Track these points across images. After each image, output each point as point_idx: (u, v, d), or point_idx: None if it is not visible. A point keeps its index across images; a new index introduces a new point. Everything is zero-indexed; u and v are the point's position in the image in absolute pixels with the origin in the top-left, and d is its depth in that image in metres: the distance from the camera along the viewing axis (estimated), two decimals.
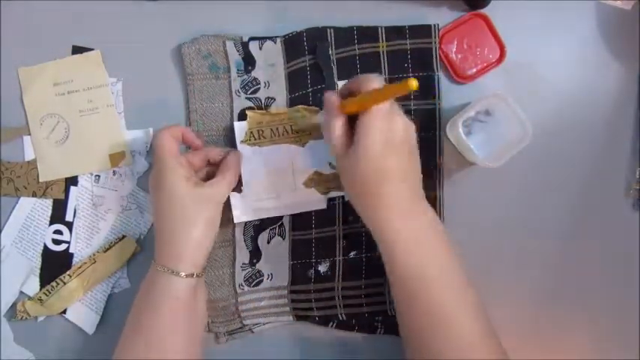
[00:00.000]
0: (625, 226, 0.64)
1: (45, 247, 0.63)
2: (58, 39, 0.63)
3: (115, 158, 0.63)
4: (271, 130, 0.62)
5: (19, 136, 0.63)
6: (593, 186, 0.64)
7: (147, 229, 0.63)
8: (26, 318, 0.62)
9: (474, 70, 0.63)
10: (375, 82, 0.51)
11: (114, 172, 0.63)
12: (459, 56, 0.63)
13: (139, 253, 0.63)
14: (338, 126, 0.52)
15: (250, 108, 0.62)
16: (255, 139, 0.62)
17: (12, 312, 0.62)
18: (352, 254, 0.63)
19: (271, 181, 0.61)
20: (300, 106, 0.62)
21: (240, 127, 0.62)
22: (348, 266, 0.63)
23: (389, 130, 0.50)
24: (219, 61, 0.62)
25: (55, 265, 0.62)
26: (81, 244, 0.63)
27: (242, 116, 0.63)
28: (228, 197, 0.60)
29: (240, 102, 0.63)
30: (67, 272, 0.62)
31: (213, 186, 0.57)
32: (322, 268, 0.63)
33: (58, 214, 0.63)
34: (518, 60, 0.63)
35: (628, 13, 0.64)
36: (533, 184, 0.64)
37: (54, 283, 0.62)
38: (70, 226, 0.63)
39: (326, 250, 0.63)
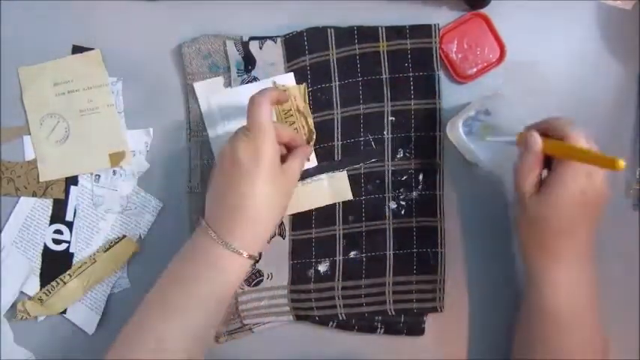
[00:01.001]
0: (625, 226, 0.64)
1: (45, 246, 0.63)
2: (58, 39, 0.63)
3: (115, 158, 0.63)
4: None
5: (19, 136, 0.63)
6: None
7: (147, 229, 0.63)
8: (26, 318, 0.62)
9: (474, 69, 0.63)
10: (578, 133, 0.50)
11: (114, 171, 0.63)
12: (459, 56, 0.63)
13: (139, 253, 0.63)
14: (532, 171, 0.52)
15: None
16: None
17: (12, 312, 0.62)
18: (352, 254, 0.63)
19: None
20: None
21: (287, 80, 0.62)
22: (348, 266, 0.63)
23: (587, 188, 0.50)
24: (219, 60, 0.62)
25: (55, 265, 0.62)
26: (81, 244, 0.63)
27: None
28: None
29: None
30: (67, 272, 0.62)
31: (294, 168, 0.56)
32: (322, 267, 0.63)
33: (59, 213, 0.63)
34: (518, 60, 0.63)
35: (628, 13, 0.64)
36: None
37: (54, 283, 0.62)
38: (70, 225, 0.63)
39: (326, 250, 0.63)
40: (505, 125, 0.59)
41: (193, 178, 0.63)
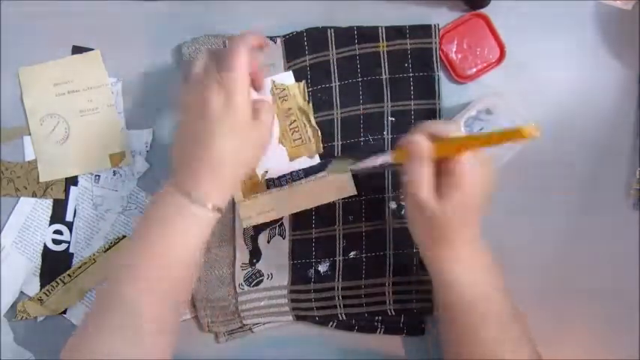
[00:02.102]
0: (625, 226, 0.64)
1: (45, 247, 0.63)
2: (58, 39, 0.63)
3: (115, 158, 0.63)
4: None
5: (19, 136, 0.63)
6: (593, 186, 0.64)
7: None
8: (26, 318, 0.62)
9: (474, 70, 0.63)
10: (458, 129, 0.49)
11: (114, 172, 0.63)
12: (459, 56, 0.63)
13: None
14: (429, 174, 0.49)
15: None
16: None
17: (12, 312, 0.62)
18: (352, 254, 0.63)
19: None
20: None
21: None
22: (348, 266, 0.63)
23: (488, 179, 0.50)
24: None
25: (55, 264, 0.63)
26: (81, 244, 0.63)
27: None
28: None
29: None
30: (67, 272, 0.62)
31: (266, 124, 0.53)
32: (322, 268, 0.63)
33: (58, 214, 0.63)
34: (518, 60, 0.63)
35: (628, 13, 0.64)
36: (532, 184, 0.64)
37: (54, 283, 0.62)
38: (70, 226, 0.63)
39: (326, 250, 0.63)
40: (506, 124, 0.59)
41: None
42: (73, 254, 0.63)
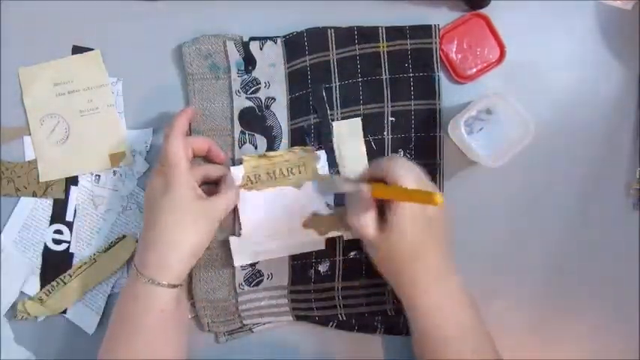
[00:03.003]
0: (625, 226, 0.64)
1: (45, 246, 0.63)
2: (58, 39, 0.63)
3: (115, 158, 0.63)
4: (267, 173, 0.61)
5: (19, 136, 0.63)
6: (593, 186, 0.64)
7: None
8: (26, 318, 0.62)
9: (474, 70, 0.63)
10: (402, 168, 0.52)
11: (114, 172, 0.63)
12: (459, 56, 0.63)
13: None
14: (371, 218, 0.54)
15: (249, 108, 0.63)
16: (252, 183, 0.61)
17: (12, 312, 0.62)
18: (352, 254, 0.63)
19: (270, 224, 0.61)
20: (296, 147, 0.62)
21: (236, 172, 0.61)
22: (348, 266, 0.63)
23: (422, 213, 0.52)
24: (219, 61, 0.62)
25: (55, 264, 0.63)
26: (81, 244, 0.63)
27: (243, 116, 0.63)
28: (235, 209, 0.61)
29: (241, 102, 0.63)
30: (68, 272, 0.62)
31: (218, 201, 0.57)
32: (322, 268, 0.63)
33: (59, 213, 0.63)
34: (518, 60, 0.63)
35: (628, 13, 0.64)
36: (532, 184, 0.64)
37: (54, 283, 0.62)
38: (70, 225, 0.63)
39: (326, 250, 0.63)
40: (506, 124, 0.59)
41: None
42: (73, 254, 0.63)
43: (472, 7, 0.63)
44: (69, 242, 0.63)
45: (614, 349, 0.64)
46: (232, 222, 0.62)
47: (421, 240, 0.53)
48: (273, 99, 0.63)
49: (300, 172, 0.62)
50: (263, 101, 0.63)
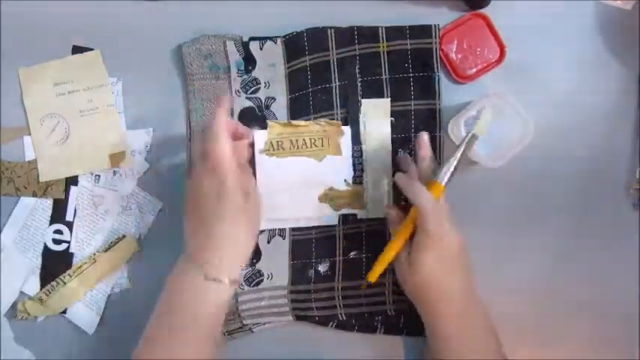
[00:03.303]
0: (625, 226, 0.64)
1: (45, 246, 0.63)
2: (58, 39, 0.63)
3: (115, 158, 0.63)
4: (291, 141, 0.62)
5: (19, 136, 0.63)
6: (593, 186, 0.64)
7: (147, 229, 0.63)
8: (26, 318, 0.62)
9: (474, 70, 0.63)
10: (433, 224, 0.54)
11: (114, 172, 0.63)
12: (459, 56, 0.63)
13: (139, 252, 0.63)
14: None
15: (249, 108, 0.63)
16: (274, 150, 0.62)
17: (12, 312, 0.62)
18: (352, 254, 0.63)
19: (285, 192, 0.62)
20: (322, 119, 0.62)
21: (260, 137, 0.61)
22: (348, 266, 0.63)
23: (441, 250, 0.54)
24: (219, 61, 0.62)
25: (55, 264, 0.63)
26: (81, 244, 0.63)
27: (242, 116, 0.63)
28: None
29: (241, 102, 0.63)
30: (68, 272, 0.62)
31: (259, 202, 0.57)
32: (322, 268, 0.63)
33: (59, 213, 0.63)
34: (518, 60, 0.63)
35: (628, 13, 0.64)
36: (532, 184, 0.64)
37: (54, 283, 0.62)
38: (70, 225, 0.63)
39: (326, 250, 0.63)
40: (506, 124, 0.59)
41: None
42: (73, 254, 0.63)
43: (472, 7, 0.63)
44: (69, 242, 0.63)
45: (614, 349, 0.64)
46: None
47: (445, 280, 0.55)
48: (273, 99, 0.63)
49: (322, 145, 0.62)
50: (263, 101, 0.63)
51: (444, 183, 0.55)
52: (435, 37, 0.62)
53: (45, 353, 0.63)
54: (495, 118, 0.60)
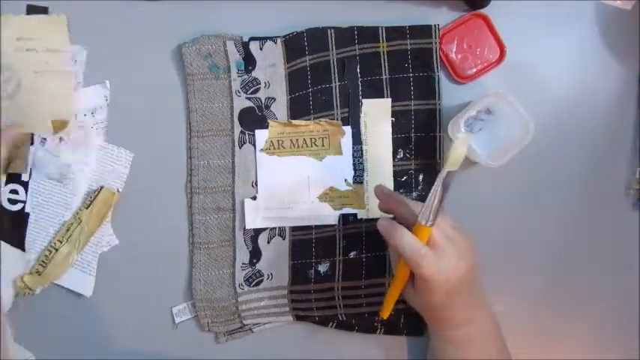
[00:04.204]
0: (625, 226, 0.64)
1: (1, 206, 0.62)
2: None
3: (58, 125, 0.61)
4: (291, 141, 0.62)
5: None
6: (593, 186, 0.64)
7: (123, 183, 0.63)
8: (29, 293, 0.62)
9: (474, 70, 0.63)
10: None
11: (60, 138, 0.62)
12: (459, 56, 0.63)
13: (121, 207, 0.63)
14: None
15: (249, 108, 0.63)
16: (274, 149, 0.62)
17: (14, 291, 0.62)
18: (352, 254, 0.63)
19: (286, 191, 0.62)
20: (322, 119, 0.62)
21: (261, 135, 0.62)
22: (348, 266, 0.63)
23: (445, 287, 0.52)
24: (219, 61, 0.62)
25: (10, 224, 0.62)
26: (40, 206, 0.62)
27: (242, 116, 0.63)
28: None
29: (240, 102, 0.63)
30: (56, 238, 0.62)
31: None
32: (322, 268, 0.63)
33: (14, 173, 0.62)
34: (518, 60, 0.63)
35: (628, 13, 0.64)
36: (532, 184, 0.64)
37: (47, 252, 0.62)
38: (25, 185, 0.62)
39: (326, 250, 0.63)
40: (506, 123, 0.59)
41: (194, 178, 0.63)
42: (29, 214, 0.62)
43: (472, 7, 0.63)
44: (24, 202, 0.63)
45: (614, 349, 0.64)
46: None
47: (446, 304, 0.54)
48: (273, 99, 0.63)
49: (323, 145, 0.62)
50: (263, 101, 0.63)
51: (429, 224, 0.51)
52: (435, 37, 0.62)
53: (45, 353, 0.63)
54: (495, 117, 0.60)
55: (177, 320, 0.63)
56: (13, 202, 0.63)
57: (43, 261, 0.62)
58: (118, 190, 0.63)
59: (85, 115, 0.63)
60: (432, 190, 0.51)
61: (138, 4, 0.63)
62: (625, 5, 0.64)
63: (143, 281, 0.63)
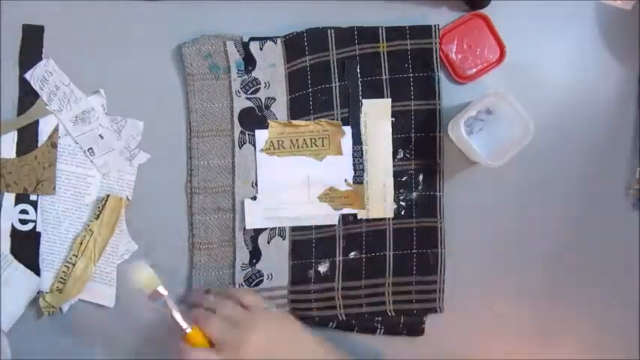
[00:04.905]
0: (625, 226, 0.64)
1: (13, 227, 0.62)
2: (58, 39, 0.63)
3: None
4: (291, 141, 0.62)
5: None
6: (593, 186, 0.64)
7: (132, 190, 0.63)
8: (53, 311, 0.62)
9: (474, 70, 0.63)
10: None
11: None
12: (459, 56, 0.63)
13: (132, 213, 0.63)
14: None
15: (249, 108, 0.63)
16: (274, 149, 0.62)
17: (36, 311, 0.62)
18: (352, 254, 0.63)
19: (286, 191, 0.62)
20: (322, 119, 0.62)
21: (261, 136, 0.62)
22: (348, 266, 0.63)
23: None
24: (219, 61, 0.62)
25: (22, 244, 0.62)
26: (51, 224, 0.63)
27: (242, 116, 0.63)
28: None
29: (240, 102, 0.63)
30: (72, 252, 0.62)
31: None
32: (322, 268, 0.63)
33: (23, 193, 0.63)
34: (518, 60, 0.63)
35: (628, 13, 0.64)
36: (532, 184, 0.64)
37: (64, 268, 0.62)
38: (34, 205, 0.63)
39: (326, 250, 0.63)
40: (506, 124, 0.59)
41: (194, 179, 0.63)
42: (40, 233, 0.63)
43: (472, 7, 0.63)
44: (34, 221, 0.63)
45: (614, 349, 0.64)
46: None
47: None
48: (273, 99, 0.63)
49: (323, 145, 0.62)
50: (263, 101, 0.63)
51: (188, 330, 0.53)
52: (435, 38, 0.62)
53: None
54: (495, 117, 0.60)
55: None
56: (23, 222, 0.63)
57: (62, 277, 0.62)
58: (127, 198, 0.63)
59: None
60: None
61: (138, 4, 0.63)
62: (625, 5, 0.64)
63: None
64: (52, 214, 0.63)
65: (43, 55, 0.63)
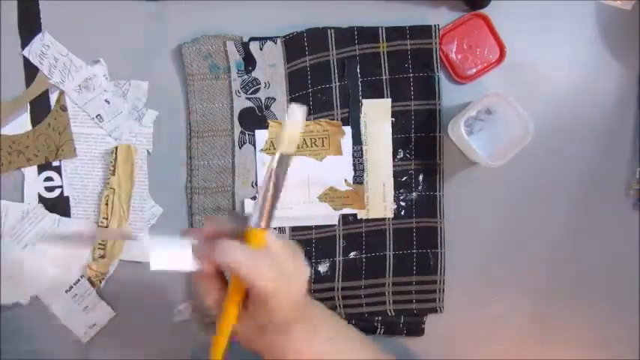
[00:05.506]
0: (625, 226, 0.64)
1: (39, 196, 0.62)
2: (58, 39, 0.63)
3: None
4: None
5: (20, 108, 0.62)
6: (593, 186, 0.64)
7: (152, 144, 0.63)
8: (103, 278, 0.62)
9: (474, 70, 0.63)
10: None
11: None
12: (459, 56, 0.63)
13: (152, 167, 0.62)
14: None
15: (249, 108, 0.63)
16: (274, 149, 0.62)
17: (87, 283, 0.61)
18: (352, 254, 0.63)
19: (286, 191, 0.61)
20: (322, 119, 0.62)
21: (261, 136, 0.62)
22: (348, 266, 0.63)
23: (286, 293, 0.44)
24: (219, 61, 0.62)
25: (53, 212, 0.62)
26: (76, 186, 0.62)
27: (242, 116, 0.63)
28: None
29: (240, 102, 0.63)
30: (102, 216, 0.62)
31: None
32: (322, 268, 0.63)
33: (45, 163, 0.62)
34: (518, 60, 0.63)
35: (628, 13, 0.64)
36: (532, 184, 0.64)
37: None
38: (58, 170, 0.63)
39: (326, 250, 0.63)
40: (506, 123, 0.59)
41: (194, 179, 0.63)
42: (68, 197, 0.62)
43: (472, 7, 0.63)
44: (61, 186, 0.63)
45: (614, 349, 0.64)
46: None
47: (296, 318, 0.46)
48: (273, 99, 0.63)
49: (323, 145, 0.62)
50: (263, 101, 0.63)
51: (263, 225, 0.43)
52: (435, 38, 0.62)
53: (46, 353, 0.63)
54: (495, 117, 0.60)
55: (177, 320, 0.63)
56: (50, 189, 0.63)
57: (100, 243, 0.62)
58: (148, 152, 0.62)
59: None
60: (262, 185, 0.43)
61: (138, 4, 0.63)
62: (625, 5, 0.64)
63: (143, 281, 0.63)
64: (77, 177, 0.63)
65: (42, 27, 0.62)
